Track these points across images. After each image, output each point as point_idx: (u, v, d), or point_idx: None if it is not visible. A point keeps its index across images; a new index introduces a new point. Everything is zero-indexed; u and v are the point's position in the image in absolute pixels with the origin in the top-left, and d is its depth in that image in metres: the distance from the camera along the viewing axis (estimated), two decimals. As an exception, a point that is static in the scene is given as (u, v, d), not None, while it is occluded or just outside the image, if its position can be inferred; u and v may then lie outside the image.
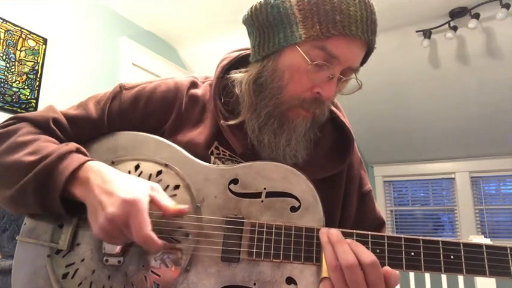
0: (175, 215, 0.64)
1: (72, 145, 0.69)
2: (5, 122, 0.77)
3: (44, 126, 0.75)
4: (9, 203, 0.70)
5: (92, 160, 0.68)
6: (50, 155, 0.66)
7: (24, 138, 0.71)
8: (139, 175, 0.72)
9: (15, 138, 0.71)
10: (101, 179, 0.63)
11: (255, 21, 0.72)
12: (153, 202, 0.62)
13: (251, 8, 0.73)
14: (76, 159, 0.67)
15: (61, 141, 0.75)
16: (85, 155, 0.70)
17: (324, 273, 0.60)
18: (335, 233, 0.62)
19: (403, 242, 0.63)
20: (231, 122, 0.75)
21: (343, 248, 0.60)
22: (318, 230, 0.65)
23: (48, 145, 0.70)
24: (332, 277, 0.59)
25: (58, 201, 0.65)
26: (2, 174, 0.69)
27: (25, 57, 2.13)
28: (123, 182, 0.63)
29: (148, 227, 0.58)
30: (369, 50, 0.71)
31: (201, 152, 0.75)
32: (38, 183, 0.65)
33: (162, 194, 0.65)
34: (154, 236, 0.58)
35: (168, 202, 0.63)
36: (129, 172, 0.73)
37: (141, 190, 0.61)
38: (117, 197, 0.59)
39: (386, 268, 0.60)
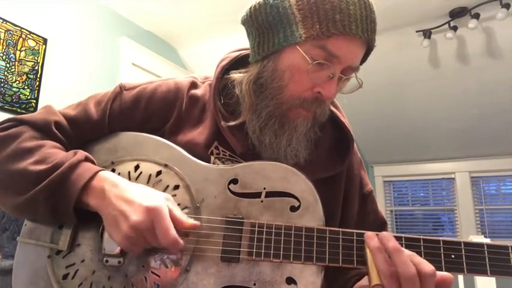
0: (189, 229, 0.65)
1: (81, 154, 0.69)
2: (3, 124, 0.75)
3: (45, 130, 0.74)
4: (16, 210, 0.69)
5: (103, 170, 0.68)
6: (60, 165, 0.66)
7: (28, 144, 0.70)
8: (139, 175, 0.72)
9: (18, 144, 0.70)
10: (117, 189, 0.64)
11: (254, 22, 0.72)
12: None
13: (250, 8, 0.73)
14: (87, 169, 0.67)
15: (63, 144, 0.75)
16: (93, 163, 0.70)
17: (375, 280, 0.59)
18: (391, 239, 0.60)
19: (403, 242, 0.63)
20: (232, 123, 0.75)
21: (402, 258, 0.58)
22: (319, 229, 0.64)
23: (55, 152, 0.69)
24: (387, 285, 0.58)
25: (72, 211, 0.65)
26: (8, 181, 0.69)
27: (25, 57, 2.13)
28: (140, 191, 0.64)
29: (174, 231, 0.61)
30: (368, 49, 0.72)
31: (201, 152, 0.75)
32: (49, 194, 0.65)
33: (176, 207, 0.66)
34: (179, 238, 0.61)
35: (183, 216, 0.65)
36: (129, 173, 0.73)
37: (159, 198, 0.63)
38: (138, 205, 0.61)
39: (443, 275, 0.59)
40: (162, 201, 0.62)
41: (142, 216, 0.60)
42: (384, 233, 0.62)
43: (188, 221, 0.64)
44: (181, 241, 0.62)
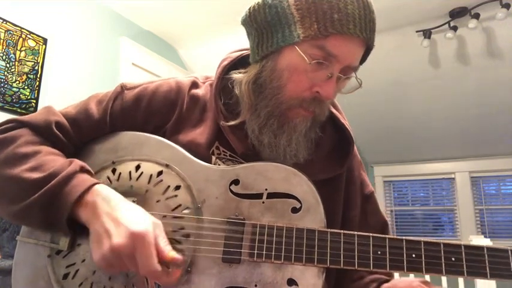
0: (170, 262, 0.60)
1: (76, 164, 0.68)
2: (3, 125, 0.75)
3: (46, 131, 0.73)
4: (12, 217, 0.69)
5: (98, 183, 0.67)
6: (55, 175, 0.65)
7: (24, 149, 0.69)
8: (140, 175, 0.72)
9: (14, 149, 0.69)
10: (108, 206, 0.62)
11: (253, 22, 0.72)
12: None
13: (249, 9, 0.73)
14: (82, 181, 0.65)
15: (64, 145, 0.74)
16: (90, 173, 0.69)
17: None
18: None
19: (404, 244, 0.63)
20: (231, 123, 0.75)
21: None
22: (320, 231, 0.64)
23: (50, 159, 0.68)
24: None
25: (65, 223, 0.64)
26: (2, 188, 0.68)
27: (25, 57, 2.13)
28: (130, 212, 0.62)
29: (155, 261, 0.57)
30: (368, 49, 0.71)
31: (202, 152, 0.75)
32: (43, 205, 0.64)
33: (163, 234, 0.62)
34: (160, 268, 0.57)
35: (166, 246, 0.60)
36: (130, 172, 0.73)
37: (147, 223, 0.60)
38: (124, 227, 0.58)
39: None
40: (149, 227, 0.59)
41: (125, 241, 0.57)
42: None
43: (170, 253, 0.60)
44: (161, 274, 0.58)
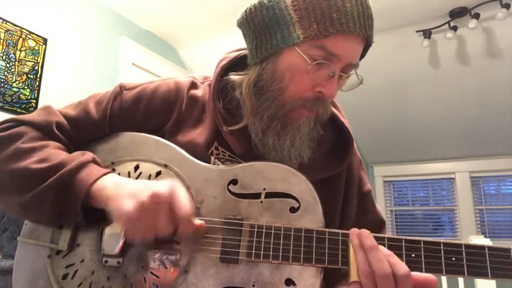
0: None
1: (89, 155, 0.70)
2: (3, 124, 0.75)
3: (47, 130, 0.74)
4: (22, 208, 0.68)
5: (110, 173, 0.69)
6: (71, 161, 0.66)
7: (32, 144, 0.70)
8: (138, 176, 0.72)
9: (21, 144, 0.70)
10: (128, 182, 0.65)
11: (250, 24, 0.72)
12: None
13: (245, 11, 0.73)
14: (96, 169, 0.67)
15: (65, 144, 0.75)
16: (100, 165, 0.71)
17: (354, 277, 0.59)
18: (369, 237, 0.61)
19: (403, 244, 0.63)
20: (234, 127, 0.75)
21: (378, 256, 0.59)
22: (318, 231, 0.64)
23: (58, 152, 0.69)
24: (364, 283, 0.58)
25: (78, 207, 0.64)
26: (9, 181, 0.68)
27: (25, 57, 2.13)
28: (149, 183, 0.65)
29: (190, 205, 0.62)
30: (367, 45, 0.71)
31: (201, 152, 0.75)
32: (59, 189, 0.64)
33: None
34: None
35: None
36: (129, 173, 0.73)
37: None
38: (157, 183, 0.62)
39: (426, 277, 0.60)
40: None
41: (165, 187, 0.60)
42: (364, 230, 0.62)
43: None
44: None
